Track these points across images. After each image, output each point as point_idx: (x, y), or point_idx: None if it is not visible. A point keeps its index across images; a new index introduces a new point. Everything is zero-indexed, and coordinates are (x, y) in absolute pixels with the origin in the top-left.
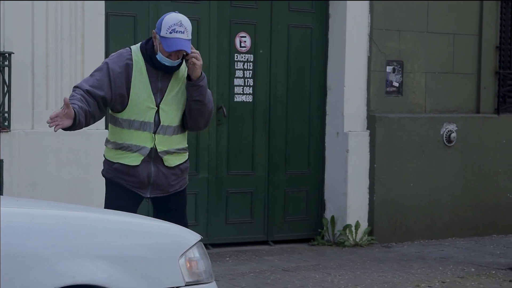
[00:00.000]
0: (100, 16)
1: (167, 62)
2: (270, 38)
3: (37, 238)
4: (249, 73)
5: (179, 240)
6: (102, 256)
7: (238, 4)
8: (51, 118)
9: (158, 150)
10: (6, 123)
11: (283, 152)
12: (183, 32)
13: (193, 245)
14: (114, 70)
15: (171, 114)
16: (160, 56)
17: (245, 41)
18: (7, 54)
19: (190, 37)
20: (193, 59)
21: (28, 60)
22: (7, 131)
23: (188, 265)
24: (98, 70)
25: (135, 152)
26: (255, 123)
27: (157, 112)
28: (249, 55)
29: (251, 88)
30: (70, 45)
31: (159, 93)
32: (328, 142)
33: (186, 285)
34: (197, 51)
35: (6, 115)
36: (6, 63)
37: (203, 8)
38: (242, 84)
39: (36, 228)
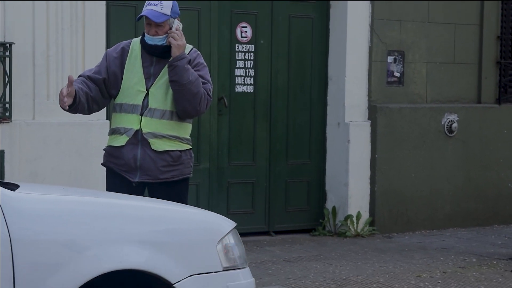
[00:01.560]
0: (101, 6)
1: (149, 40)
2: (271, 29)
3: (85, 224)
4: (250, 63)
5: (216, 227)
6: (146, 241)
7: None
8: (63, 95)
9: (143, 132)
10: (7, 114)
11: (284, 142)
12: (157, 5)
13: (228, 232)
14: (110, 55)
15: (159, 97)
16: (146, 36)
17: (246, 32)
18: (8, 45)
19: (166, 12)
20: (170, 38)
21: (29, 51)
22: (8, 122)
23: (225, 251)
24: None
25: (123, 134)
26: (256, 114)
27: (147, 95)
28: (250, 45)
29: (252, 78)
30: (71, 35)
31: (152, 78)
32: (329, 133)
33: (223, 270)
34: (178, 32)
35: (7, 105)
36: (7, 53)
37: None
38: (243, 75)
39: (85, 215)
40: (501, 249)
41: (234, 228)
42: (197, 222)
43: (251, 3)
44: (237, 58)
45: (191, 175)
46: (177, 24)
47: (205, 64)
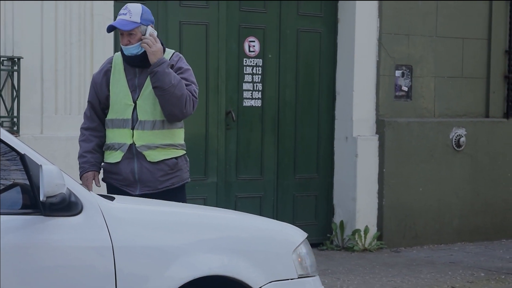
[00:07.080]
0: (109, 20)
1: (124, 50)
2: (279, 43)
3: (178, 233)
4: (258, 77)
5: (291, 237)
6: (231, 249)
7: (247, 8)
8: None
9: (137, 145)
10: (15, 128)
11: (292, 156)
12: (125, 14)
13: (301, 242)
14: (96, 81)
15: (148, 108)
16: (122, 47)
17: (254, 46)
18: (16, 59)
19: (135, 19)
20: (144, 44)
21: (37, 65)
22: (16, 136)
23: (299, 259)
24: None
25: (117, 150)
26: (264, 128)
27: (135, 108)
28: (258, 59)
29: (260, 92)
30: (79, 49)
31: (137, 89)
32: (337, 147)
33: (298, 278)
34: (151, 38)
35: (15, 120)
36: (15, 68)
37: (212, 13)
38: (251, 89)
39: (176, 224)
40: (510, 263)
41: (305, 238)
42: (275, 232)
43: (259, 17)
44: (245, 72)
45: (189, 179)
46: (150, 31)
47: (189, 67)
